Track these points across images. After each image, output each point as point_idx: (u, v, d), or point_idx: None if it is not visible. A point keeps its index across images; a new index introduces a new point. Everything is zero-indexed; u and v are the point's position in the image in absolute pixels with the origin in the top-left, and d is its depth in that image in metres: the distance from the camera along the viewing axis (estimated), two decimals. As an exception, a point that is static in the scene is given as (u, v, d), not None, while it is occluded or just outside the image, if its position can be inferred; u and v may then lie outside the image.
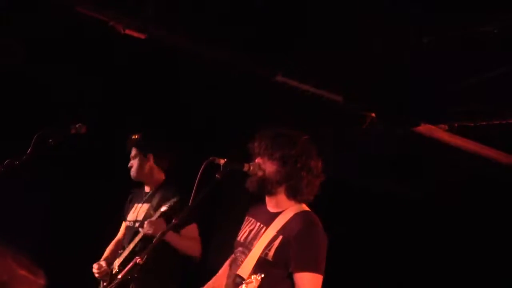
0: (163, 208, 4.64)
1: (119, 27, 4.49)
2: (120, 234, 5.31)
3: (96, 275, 4.89)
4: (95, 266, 4.93)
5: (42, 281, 1.67)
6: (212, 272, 4.05)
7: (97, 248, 5.41)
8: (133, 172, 5.15)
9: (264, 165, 3.67)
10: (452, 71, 4.47)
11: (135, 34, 4.55)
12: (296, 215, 3.62)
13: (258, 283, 3.24)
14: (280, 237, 3.54)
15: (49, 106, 5.72)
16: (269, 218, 3.67)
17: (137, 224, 4.95)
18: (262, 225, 3.68)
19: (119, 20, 4.47)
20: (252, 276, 3.26)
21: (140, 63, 5.32)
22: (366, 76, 4.64)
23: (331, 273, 3.64)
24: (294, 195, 3.67)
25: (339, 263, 4.31)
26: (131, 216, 5.12)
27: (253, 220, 3.79)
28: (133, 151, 5.18)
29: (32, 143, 4.12)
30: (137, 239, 4.74)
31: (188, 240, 4.86)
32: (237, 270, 3.57)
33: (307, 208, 3.69)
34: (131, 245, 4.79)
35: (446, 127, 4.89)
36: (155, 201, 4.99)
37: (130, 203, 5.27)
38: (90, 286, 5.06)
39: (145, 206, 5.05)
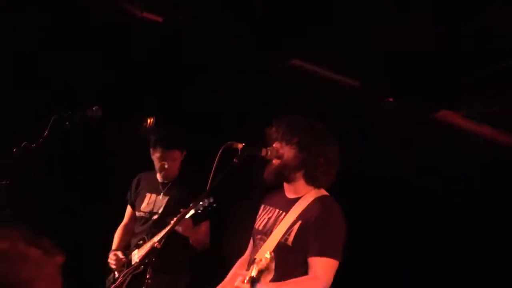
0: (199, 209, 4.45)
1: (136, 9, 4.43)
2: (127, 219, 5.20)
3: (113, 266, 4.74)
4: (111, 256, 4.80)
5: (59, 260, 1.57)
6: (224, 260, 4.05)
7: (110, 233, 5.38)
8: (166, 173, 4.99)
9: (282, 150, 3.63)
10: (470, 57, 4.37)
11: (152, 17, 4.49)
12: (315, 199, 3.59)
13: (267, 261, 3.21)
14: (299, 222, 3.52)
15: (65, 90, 5.66)
16: (288, 204, 3.64)
17: (154, 216, 4.86)
18: (281, 212, 3.65)
19: (136, 2, 4.40)
20: (264, 255, 3.25)
21: (156, 47, 5.23)
22: (383, 61, 4.55)
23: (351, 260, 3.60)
24: (312, 181, 3.63)
25: (357, 252, 4.25)
26: (146, 207, 4.99)
27: (270, 207, 3.75)
28: (168, 151, 4.96)
29: (49, 126, 4.07)
30: (163, 233, 4.58)
31: (201, 234, 4.83)
32: (255, 256, 3.53)
33: (326, 193, 3.66)
34: (155, 239, 4.64)
35: (465, 113, 4.81)
36: (176, 193, 4.89)
37: (140, 190, 5.12)
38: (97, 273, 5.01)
39: (164, 198, 4.94)
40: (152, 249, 3.50)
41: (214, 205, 4.37)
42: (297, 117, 3.68)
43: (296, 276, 3.46)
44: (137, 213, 5.02)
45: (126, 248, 4.93)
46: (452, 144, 5.00)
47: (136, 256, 4.70)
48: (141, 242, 4.78)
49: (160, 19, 4.51)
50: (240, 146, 3.55)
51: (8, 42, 5.35)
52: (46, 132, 4.07)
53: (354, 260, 4.18)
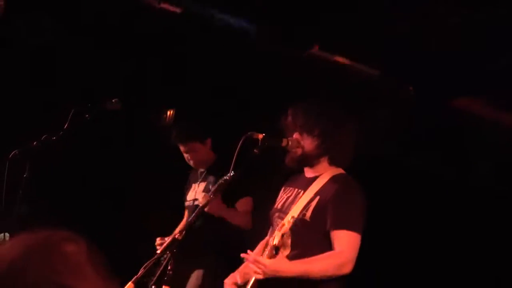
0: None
1: (153, 1, 4.40)
2: (185, 217, 5.27)
3: (158, 248, 4.73)
4: (158, 240, 4.80)
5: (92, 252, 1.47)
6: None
7: (132, 220, 5.38)
8: (194, 164, 5.11)
9: (303, 142, 3.61)
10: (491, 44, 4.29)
11: (170, 8, 4.46)
12: (333, 177, 3.59)
13: (290, 224, 3.30)
14: (317, 198, 3.51)
15: (85, 82, 5.64)
16: (307, 183, 3.63)
17: (196, 202, 4.94)
18: (299, 190, 3.64)
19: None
20: (285, 219, 3.33)
21: (174, 37, 5.19)
22: (403, 49, 4.48)
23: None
24: (336, 163, 3.64)
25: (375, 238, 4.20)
26: (190, 196, 5.11)
27: (290, 188, 3.74)
28: (187, 144, 5.03)
29: (69, 119, 4.06)
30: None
31: (239, 213, 4.83)
32: (273, 233, 3.50)
33: (343, 172, 3.65)
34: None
35: (484, 100, 4.73)
36: (211, 178, 4.95)
37: (188, 185, 5.25)
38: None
39: (202, 184, 5.04)
40: (173, 240, 3.43)
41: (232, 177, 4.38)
42: (314, 105, 3.64)
43: (314, 252, 3.42)
44: (186, 204, 5.14)
45: None
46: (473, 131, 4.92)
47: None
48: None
49: (178, 10, 4.47)
50: (260, 136, 3.53)
51: (29, 37, 5.31)
52: (66, 125, 4.06)
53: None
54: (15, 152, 4.01)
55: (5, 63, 5.42)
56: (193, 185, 5.13)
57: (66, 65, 5.56)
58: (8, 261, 1.33)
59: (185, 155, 5.07)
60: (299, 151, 3.61)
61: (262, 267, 3.30)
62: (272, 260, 3.36)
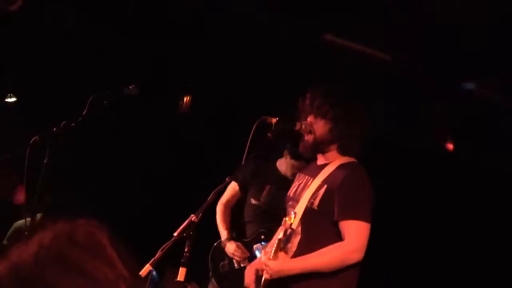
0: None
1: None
2: (229, 196, 4.90)
3: (236, 257, 4.64)
4: (233, 247, 4.64)
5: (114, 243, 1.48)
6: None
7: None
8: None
9: (316, 125, 3.57)
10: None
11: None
12: (341, 165, 3.55)
13: (292, 220, 3.33)
14: (325, 186, 3.48)
15: (102, 69, 5.65)
16: (317, 170, 3.61)
17: (273, 210, 4.52)
18: (309, 177, 3.62)
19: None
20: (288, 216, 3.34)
21: (191, 26, 5.18)
22: (414, 35, 4.43)
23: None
24: (344, 151, 3.59)
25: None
26: (265, 198, 4.71)
27: (302, 175, 3.72)
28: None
29: (87, 105, 4.04)
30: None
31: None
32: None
33: (353, 159, 3.59)
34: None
35: (497, 84, 4.67)
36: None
37: (258, 177, 4.78)
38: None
39: (283, 193, 4.38)
40: (190, 223, 3.42)
41: None
42: (331, 89, 3.60)
43: (323, 239, 3.41)
44: (253, 201, 4.79)
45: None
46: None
47: (262, 253, 4.57)
48: (263, 237, 4.63)
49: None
50: (274, 120, 3.52)
51: (53, 26, 5.32)
52: (85, 111, 4.05)
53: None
54: (36, 138, 3.96)
55: (27, 53, 5.46)
56: (269, 187, 4.72)
57: (85, 52, 5.56)
58: (37, 248, 1.35)
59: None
60: (310, 138, 3.57)
61: (267, 269, 3.36)
62: (275, 262, 3.37)
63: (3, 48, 5.51)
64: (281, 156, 4.73)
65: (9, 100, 6.36)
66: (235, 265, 4.70)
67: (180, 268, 3.40)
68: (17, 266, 1.34)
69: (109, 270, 1.38)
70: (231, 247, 4.67)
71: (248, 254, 4.66)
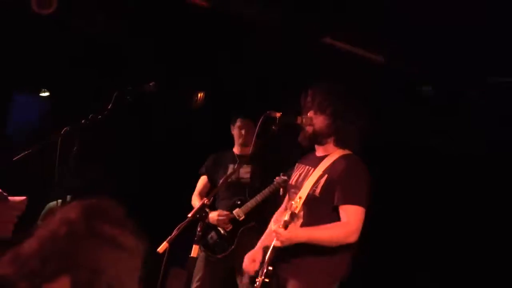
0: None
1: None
2: (201, 187, 5.30)
3: (220, 222, 4.92)
4: (214, 213, 4.93)
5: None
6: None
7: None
8: (244, 142, 5.23)
9: (315, 119, 3.67)
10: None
11: (198, 2, 4.51)
12: (341, 157, 3.64)
13: (298, 204, 3.44)
14: (326, 176, 3.57)
15: (125, 67, 5.79)
16: (317, 161, 3.68)
17: (242, 180, 5.05)
18: (310, 167, 3.70)
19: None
20: (295, 199, 3.42)
21: (200, 28, 5.29)
22: (407, 37, 4.50)
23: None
24: (341, 145, 3.68)
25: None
26: (234, 174, 5.00)
27: (302, 165, 3.80)
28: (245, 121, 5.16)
29: (113, 100, 4.15)
30: (266, 192, 4.82)
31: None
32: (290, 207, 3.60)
33: (351, 153, 3.69)
34: (259, 198, 4.86)
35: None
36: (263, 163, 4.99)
37: (218, 164, 5.25)
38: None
39: (245, 166, 5.08)
40: (203, 205, 3.59)
41: None
42: (331, 86, 3.68)
43: (323, 223, 3.52)
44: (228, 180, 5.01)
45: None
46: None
47: (241, 213, 4.91)
48: (239, 202, 4.96)
49: (205, 4, 4.54)
50: (278, 115, 3.60)
51: (83, 28, 5.44)
52: (110, 105, 4.12)
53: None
54: (66, 129, 4.04)
55: (60, 52, 5.55)
56: (231, 165, 5.13)
57: (111, 53, 5.67)
58: (70, 221, 1.38)
59: (240, 131, 5.14)
60: (310, 129, 3.66)
61: (279, 236, 3.47)
62: (286, 230, 3.48)
63: (38, 48, 5.60)
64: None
65: (43, 94, 6.48)
66: (221, 231, 4.93)
67: (194, 246, 3.51)
68: (52, 242, 1.34)
69: (133, 238, 1.42)
70: (213, 215, 4.91)
71: (231, 217, 4.90)
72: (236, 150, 5.27)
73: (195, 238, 3.60)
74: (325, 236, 3.49)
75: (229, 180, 4.90)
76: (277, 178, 4.78)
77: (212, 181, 5.25)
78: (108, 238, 1.37)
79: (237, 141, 5.22)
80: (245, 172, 5.07)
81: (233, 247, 4.89)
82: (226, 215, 4.94)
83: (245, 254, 4.39)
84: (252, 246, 3.98)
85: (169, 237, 3.43)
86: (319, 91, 3.67)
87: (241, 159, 5.10)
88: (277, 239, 3.50)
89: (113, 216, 1.43)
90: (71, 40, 5.51)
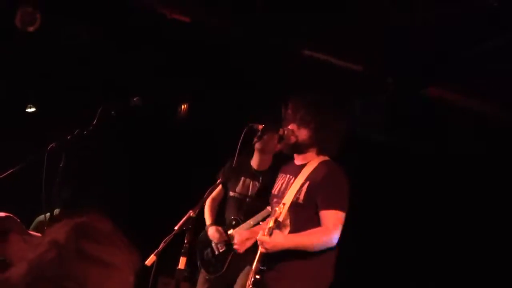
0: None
1: (166, 11, 4.36)
2: (215, 193, 4.85)
3: (215, 240, 4.68)
4: (215, 231, 4.67)
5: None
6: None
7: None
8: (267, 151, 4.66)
9: (297, 132, 3.61)
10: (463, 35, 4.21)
11: (181, 18, 4.42)
12: (320, 163, 3.60)
13: (281, 210, 3.37)
14: (308, 182, 3.53)
15: (108, 83, 5.64)
16: (297, 170, 3.64)
17: (247, 199, 4.68)
18: (291, 176, 3.65)
19: (166, 5, 4.33)
20: (279, 206, 3.38)
21: (184, 43, 5.15)
22: (382, 45, 4.42)
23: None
24: (322, 153, 3.63)
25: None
26: (240, 189, 4.73)
27: (283, 175, 3.75)
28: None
29: (97, 115, 4.02)
30: (259, 217, 4.49)
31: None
32: (274, 216, 3.53)
33: (329, 158, 3.65)
34: (252, 222, 4.55)
35: (458, 86, 4.67)
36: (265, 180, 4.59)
37: (235, 173, 4.71)
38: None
39: (255, 183, 4.70)
40: (188, 218, 3.45)
41: None
42: (311, 99, 3.62)
43: (307, 228, 3.48)
44: (232, 194, 4.80)
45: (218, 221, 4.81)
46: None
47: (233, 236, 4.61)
48: (234, 222, 4.67)
49: (187, 19, 4.44)
50: (260, 127, 3.57)
51: (65, 42, 5.29)
52: (95, 121, 4.04)
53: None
54: (52, 145, 3.93)
55: (42, 66, 5.41)
56: (243, 178, 4.74)
57: (94, 67, 5.54)
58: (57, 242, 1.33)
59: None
60: (293, 139, 3.61)
61: (264, 243, 3.43)
62: (270, 237, 3.43)
63: (23, 64, 5.47)
64: (252, 154, 4.77)
65: (29, 110, 6.33)
66: (215, 251, 4.73)
67: (181, 258, 3.40)
68: (40, 266, 1.29)
69: (121, 253, 1.37)
70: (212, 231, 4.70)
71: (226, 238, 4.67)
72: (254, 163, 4.75)
73: (182, 251, 3.46)
74: (308, 241, 3.47)
75: (237, 195, 4.74)
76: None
77: (224, 187, 4.89)
78: (97, 258, 1.32)
79: (261, 151, 4.66)
80: (253, 189, 4.73)
81: (222, 271, 4.71)
82: (222, 235, 4.69)
83: (234, 280, 4.46)
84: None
85: (156, 250, 3.32)
86: (301, 103, 3.61)
87: (255, 175, 4.72)
88: (262, 247, 3.47)
89: (101, 233, 1.37)
90: (55, 55, 5.32)
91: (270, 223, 3.45)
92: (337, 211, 3.45)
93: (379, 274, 5.46)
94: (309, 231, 3.46)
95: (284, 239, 3.45)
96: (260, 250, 3.49)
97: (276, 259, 3.49)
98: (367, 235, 5.13)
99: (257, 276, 3.51)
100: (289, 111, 3.64)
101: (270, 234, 3.41)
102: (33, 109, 6.33)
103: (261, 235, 3.45)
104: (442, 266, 5.37)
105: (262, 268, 3.52)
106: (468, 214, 5.17)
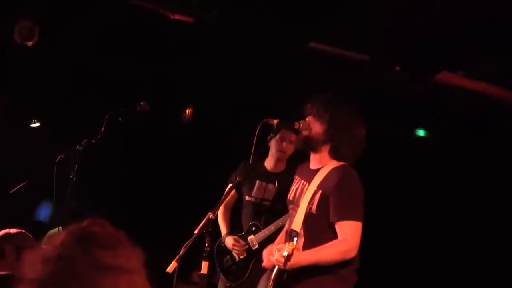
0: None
1: (168, 13, 4.12)
2: (228, 199, 4.52)
3: (235, 249, 4.41)
4: (230, 240, 4.41)
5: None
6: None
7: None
8: (284, 156, 4.38)
9: (312, 124, 3.36)
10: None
11: (183, 18, 4.17)
12: (333, 169, 3.31)
13: (292, 246, 3.05)
14: (320, 192, 3.27)
15: (112, 89, 5.37)
16: (311, 175, 3.37)
17: (265, 203, 4.40)
18: (305, 182, 3.39)
19: (169, 7, 4.08)
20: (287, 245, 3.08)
21: (188, 44, 4.89)
22: (389, 34, 4.18)
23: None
24: (336, 154, 3.34)
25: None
26: (256, 193, 4.44)
27: (299, 178, 3.49)
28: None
29: (104, 123, 3.81)
30: (280, 222, 4.23)
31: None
32: (291, 225, 3.33)
33: (344, 163, 3.33)
34: (273, 227, 4.31)
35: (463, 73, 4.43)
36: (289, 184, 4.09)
37: (249, 175, 4.41)
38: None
39: (272, 186, 4.42)
40: (208, 220, 3.16)
41: None
42: (332, 96, 3.38)
43: (323, 239, 3.23)
44: (248, 199, 4.51)
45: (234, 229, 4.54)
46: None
47: (255, 241, 4.37)
48: (254, 228, 4.41)
49: (190, 20, 4.18)
50: (275, 122, 3.32)
51: (64, 51, 5.09)
52: (103, 129, 3.80)
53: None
54: (61, 156, 3.76)
55: (46, 79, 5.18)
56: (259, 182, 4.44)
57: (97, 76, 5.28)
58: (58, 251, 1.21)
59: (281, 143, 4.32)
60: (306, 132, 3.36)
61: (282, 264, 3.09)
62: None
63: (26, 80, 5.20)
64: (267, 155, 4.47)
65: (33, 125, 6.07)
66: (236, 258, 4.47)
67: (203, 262, 3.15)
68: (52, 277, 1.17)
69: (134, 255, 1.25)
70: (229, 241, 4.42)
71: (246, 246, 4.41)
72: (268, 164, 4.48)
73: (204, 254, 3.20)
74: (326, 256, 3.22)
75: (253, 199, 4.48)
76: None
77: (238, 191, 4.60)
78: (106, 265, 1.21)
79: (275, 154, 4.41)
80: (269, 192, 4.45)
81: (245, 278, 4.41)
82: (241, 244, 4.43)
83: (255, 286, 4.20)
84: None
85: (177, 256, 3.07)
86: (319, 99, 3.39)
87: (270, 177, 4.45)
88: (281, 265, 3.14)
89: (105, 238, 1.26)
90: (53, 68, 5.05)
91: (285, 250, 3.08)
92: (352, 222, 3.20)
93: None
94: (327, 244, 3.21)
95: (302, 258, 3.19)
96: (278, 265, 3.20)
97: (293, 280, 3.24)
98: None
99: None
100: (309, 105, 3.40)
101: (285, 260, 3.08)
102: (37, 124, 6.09)
103: (277, 258, 3.15)
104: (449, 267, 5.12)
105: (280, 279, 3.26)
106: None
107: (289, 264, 3.09)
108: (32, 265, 1.21)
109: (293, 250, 3.05)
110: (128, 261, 1.24)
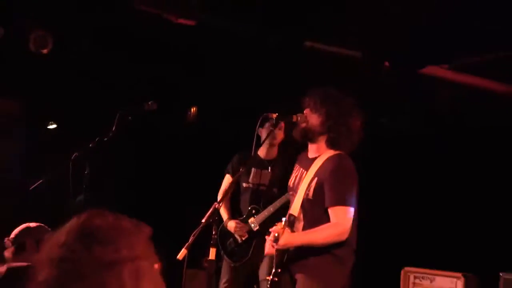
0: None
1: (171, 17, 4.21)
2: (227, 188, 4.62)
3: (237, 232, 4.60)
4: (232, 223, 4.62)
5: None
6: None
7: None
8: (276, 142, 4.62)
9: (309, 117, 3.47)
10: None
11: (186, 22, 4.26)
12: (329, 158, 3.43)
13: (281, 226, 3.25)
14: (316, 179, 3.39)
15: (121, 90, 5.46)
16: (309, 163, 3.50)
17: (261, 187, 4.63)
18: (303, 170, 3.52)
19: (172, 10, 4.17)
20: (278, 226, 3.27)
21: (191, 45, 4.97)
22: (379, 31, 4.25)
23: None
24: (332, 145, 3.46)
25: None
26: (253, 179, 4.66)
27: (298, 166, 3.62)
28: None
29: (115, 121, 3.89)
30: (278, 204, 4.47)
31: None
32: (290, 210, 3.49)
33: (340, 152, 3.45)
34: (271, 209, 4.52)
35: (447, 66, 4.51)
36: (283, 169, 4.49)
37: (238, 165, 4.65)
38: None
39: (266, 172, 4.65)
40: (214, 209, 3.29)
41: None
42: (329, 91, 3.50)
43: (320, 223, 3.35)
44: (245, 185, 4.72)
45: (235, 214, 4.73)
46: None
47: (256, 222, 4.57)
48: (254, 211, 4.61)
49: (192, 23, 4.27)
50: (274, 115, 3.47)
51: (72, 51, 5.15)
52: (114, 127, 3.88)
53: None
54: (76, 154, 3.85)
55: (57, 81, 5.27)
56: (254, 169, 4.66)
57: (106, 77, 5.38)
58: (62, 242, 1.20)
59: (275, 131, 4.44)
60: (304, 125, 3.47)
61: (275, 244, 3.32)
62: (281, 237, 3.29)
63: (41, 85, 5.28)
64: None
65: (50, 127, 6.18)
66: (238, 240, 4.66)
67: (211, 248, 3.29)
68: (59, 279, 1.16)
69: (137, 240, 1.22)
70: (231, 225, 4.64)
71: (247, 228, 4.61)
72: (261, 153, 4.68)
73: (211, 242, 3.33)
74: (317, 238, 3.35)
75: (251, 185, 4.70)
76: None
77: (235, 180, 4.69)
78: (108, 262, 1.18)
79: (269, 141, 4.55)
80: (265, 178, 4.67)
81: (248, 257, 4.57)
82: (242, 226, 4.64)
83: (258, 264, 4.45)
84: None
85: (187, 243, 3.17)
86: (316, 93, 3.50)
87: (264, 164, 4.67)
88: (273, 247, 3.37)
89: (106, 232, 1.21)
90: (64, 71, 5.16)
91: (276, 232, 3.30)
92: (344, 207, 3.31)
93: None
94: (319, 227, 3.34)
95: (294, 239, 3.35)
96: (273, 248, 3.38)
97: (293, 260, 3.38)
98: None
99: (278, 269, 3.39)
100: (307, 99, 3.51)
101: (276, 241, 3.29)
102: (54, 126, 6.19)
103: (271, 236, 3.34)
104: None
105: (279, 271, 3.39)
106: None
107: (280, 243, 3.27)
108: (39, 266, 1.20)
109: (283, 230, 3.23)
110: (131, 250, 1.20)
